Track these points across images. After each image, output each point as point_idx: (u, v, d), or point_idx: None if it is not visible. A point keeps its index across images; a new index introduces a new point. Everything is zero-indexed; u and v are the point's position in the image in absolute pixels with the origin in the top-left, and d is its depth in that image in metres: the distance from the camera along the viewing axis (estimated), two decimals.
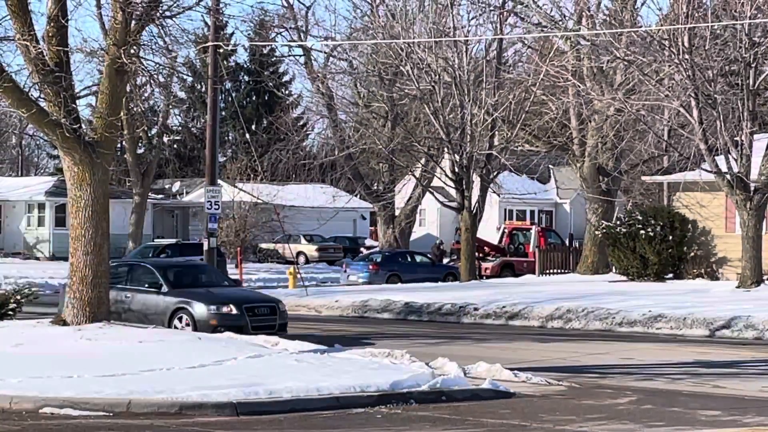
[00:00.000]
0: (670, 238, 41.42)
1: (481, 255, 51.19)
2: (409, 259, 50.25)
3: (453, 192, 47.87)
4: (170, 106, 71.46)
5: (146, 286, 26.18)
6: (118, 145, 60.19)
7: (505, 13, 47.70)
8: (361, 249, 68.63)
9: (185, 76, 78.09)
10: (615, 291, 36.68)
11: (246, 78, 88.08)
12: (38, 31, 23.00)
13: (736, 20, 35.33)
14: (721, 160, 37.08)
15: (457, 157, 45.18)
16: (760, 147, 37.49)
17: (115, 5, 22.80)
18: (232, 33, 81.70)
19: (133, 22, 22.81)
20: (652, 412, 15.82)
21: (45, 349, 19.49)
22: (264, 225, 67.09)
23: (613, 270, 44.90)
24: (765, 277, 37.44)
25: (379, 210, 58.43)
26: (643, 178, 47.61)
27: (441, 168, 48.53)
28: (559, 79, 43.25)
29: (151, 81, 28.88)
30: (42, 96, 22.92)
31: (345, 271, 49.54)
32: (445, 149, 47.90)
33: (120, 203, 62.06)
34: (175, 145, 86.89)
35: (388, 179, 58.25)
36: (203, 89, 75.92)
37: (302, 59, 59.86)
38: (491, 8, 47.44)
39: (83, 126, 23.77)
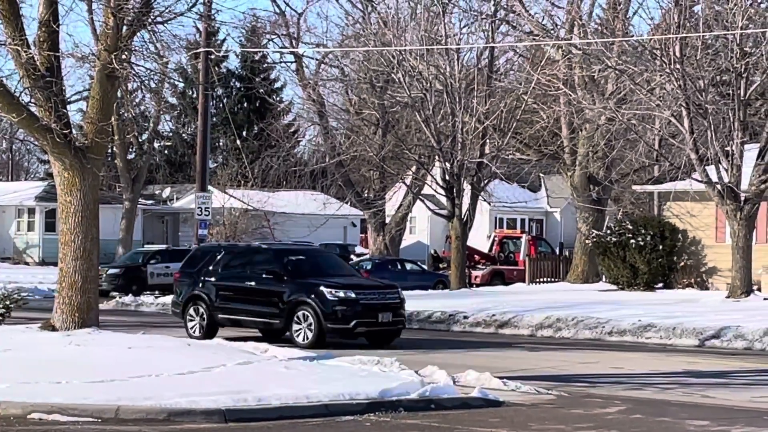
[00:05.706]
0: (661, 247, 41.44)
1: (471, 263, 51.17)
2: (399, 267, 50.18)
3: (443, 200, 47.82)
4: (161, 112, 71.50)
5: None
6: (109, 151, 60.14)
7: (496, 21, 47.72)
8: (352, 256, 68.52)
9: (176, 82, 77.99)
10: (605, 300, 36.65)
11: (237, 84, 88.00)
12: (29, 36, 22.96)
13: (728, 30, 35.38)
14: (711, 170, 37.11)
15: (448, 165, 45.14)
16: (750, 157, 37.51)
17: (106, 10, 22.77)
18: (224, 39, 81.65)
19: (125, 27, 22.77)
20: (641, 422, 15.81)
21: (34, 354, 19.42)
22: (254, 232, 66.99)
23: (603, 279, 44.90)
24: (755, 287, 37.48)
25: (369, 217, 58.36)
26: (634, 187, 47.63)
27: (432, 176, 48.49)
28: (551, 87, 43.27)
29: (142, 86, 28.92)
30: (32, 101, 22.86)
31: None
32: (436, 157, 47.87)
33: (110, 209, 62.00)
34: (165, 151, 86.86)
35: (379, 187, 58.18)
36: (194, 95, 75.91)
37: (294, 66, 59.81)
38: (483, 17, 47.44)
39: (74, 131, 23.71)
